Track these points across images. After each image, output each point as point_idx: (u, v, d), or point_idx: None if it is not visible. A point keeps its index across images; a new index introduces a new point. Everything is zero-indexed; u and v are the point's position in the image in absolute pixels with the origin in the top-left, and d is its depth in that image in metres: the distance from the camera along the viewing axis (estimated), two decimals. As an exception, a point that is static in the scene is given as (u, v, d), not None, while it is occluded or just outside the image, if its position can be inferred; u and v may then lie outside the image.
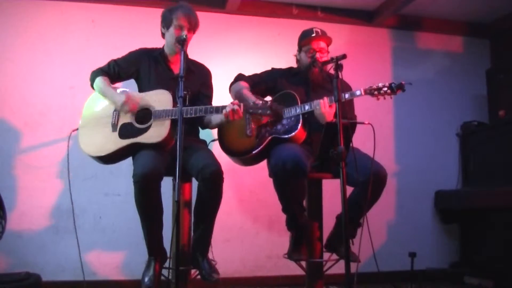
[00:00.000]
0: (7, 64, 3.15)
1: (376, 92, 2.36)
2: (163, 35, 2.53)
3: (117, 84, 2.56)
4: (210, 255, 2.40)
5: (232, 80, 2.75)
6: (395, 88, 2.33)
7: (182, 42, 2.20)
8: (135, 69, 2.53)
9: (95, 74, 2.47)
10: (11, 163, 3.07)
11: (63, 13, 3.27)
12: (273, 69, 2.79)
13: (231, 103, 2.24)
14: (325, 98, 2.39)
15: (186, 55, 2.54)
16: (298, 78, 2.69)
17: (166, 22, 2.47)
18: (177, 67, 2.48)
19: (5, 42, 3.16)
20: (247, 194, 3.39)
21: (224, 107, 2.26)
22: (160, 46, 2.60)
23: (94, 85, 2.47)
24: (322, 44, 2.61)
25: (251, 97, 2.50)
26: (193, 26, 2.45)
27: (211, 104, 2.55)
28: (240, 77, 2.72)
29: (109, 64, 2.50)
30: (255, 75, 2.74)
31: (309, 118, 2.53)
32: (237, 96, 2.59)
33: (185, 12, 2.42)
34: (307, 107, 2.44)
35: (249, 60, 3.49)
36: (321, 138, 2.31)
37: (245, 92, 2.56)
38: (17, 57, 3.17)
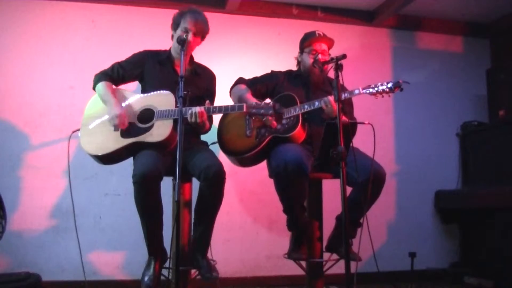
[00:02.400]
0: (7, 64, 3.15)
1: (374, 91, 2.37)
2: (172, 37, 2.53)
3: (127, 86, 2.56)
4: (209, 255, 2.39)
5: (232, 82, 2.76)
6: (393, 87, 2.33)
7: (182, 42, 2.21)
8: (140, 71, 2.53)
9: (98, 78, 2.48)
10: (11, 163, 3.06)
11: (63, 13, 3.27)
12: (272, 71, 2.79)
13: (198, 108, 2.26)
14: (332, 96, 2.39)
15: (191, 57, 2.56)
16: (298, 80, 2.71)
17: (175, 25, 2.48)
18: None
19: (5, 42, 3.16)
20: (247, 194, 3.39)
21: (231, 106, 2.30)
22: (160, 46, 2.61)
23: (96, 89, 2.48)
24: (324, 46, 2.63)
25: (252, 100, 2.51)
26: (200, 31, 2.45)
27: None
28: (240, 81, 2.74)
29: (112, 67, 2.51)
30: (255, 78, 2.75)
31: (310, 118, 2.54)
32: (238, 99, 2.60)
33: (193, 16, 2.42)
34: (306, 107, 2.45)
35: (249, 60, 3.49)
36: (321, 138, 2.32)
37: (246, 95, 2.57)
38: (17, 57, 3.17)
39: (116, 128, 2.35)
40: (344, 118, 2.29)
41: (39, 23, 3.23)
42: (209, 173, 2.20)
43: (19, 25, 3.20)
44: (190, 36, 2.38)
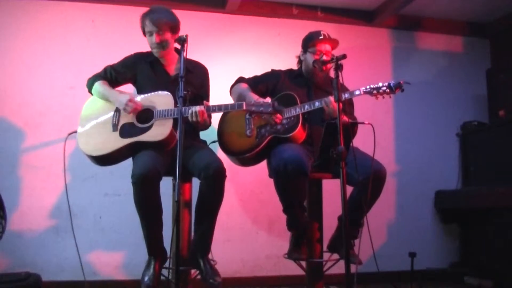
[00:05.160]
0: (7, 64, 3.15)
1: (375, 92, 2.38)
2: None
3: (120, 88, 2.56)
4: (209, 255, 2.39)
5: (232, 81, 2.75)
6: (394, 88, 2.35)
7: (182, 42, 2.20)
8: (132, 73, 2.53)
9: (92, 81, 2.48)
10: (11, 163, 3.06)
11: (63, 13, 3.27)
12: (273, 70, 2.79)
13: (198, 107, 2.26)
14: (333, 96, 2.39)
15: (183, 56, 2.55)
16: (300, 79, 2.70)
17: (143, 30, 2.48)
18: (172, 69, 2.50)
19: (5, 42, 3.16)
20: (248, 194, 3.39)
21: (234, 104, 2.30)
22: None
23: (93, 91, 2.47)
24: (328, 47, 2.61)
25: (254, 98, 2.50)
26: (165, 28, 2.40)
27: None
28: (240, 80, 2.73)
29: (105, 69, 2.51)
30: (255, 77, 2.75)
31: (311, 118, 2.54)
32: (239, 97, 2.59)
33: (149, 17, 2.41)
34: (306, 107, 2.45)
35: (249, 60, 3.49)
36: (321, 137, 2.32)
37: (246, 93, 2.57)
38: (17, 57, 3.17)
39: (115, 127, 2.34)
40: (344, 118, 2.29)
41: (39, 23, 3.23)
42: (209, 171, 2.19)
43: (19, 25, 3.20)
44: (154, 38, 2.39)
